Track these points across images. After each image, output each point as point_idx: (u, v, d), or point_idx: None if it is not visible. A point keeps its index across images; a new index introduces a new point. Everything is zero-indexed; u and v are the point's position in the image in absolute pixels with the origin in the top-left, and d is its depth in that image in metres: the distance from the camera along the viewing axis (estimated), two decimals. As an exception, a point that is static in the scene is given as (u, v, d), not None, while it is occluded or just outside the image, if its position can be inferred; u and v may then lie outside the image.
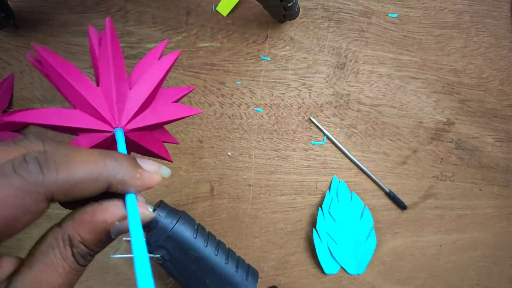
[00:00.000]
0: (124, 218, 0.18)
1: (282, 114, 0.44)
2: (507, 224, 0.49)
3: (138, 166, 0.19)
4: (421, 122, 0.46)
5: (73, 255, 0.17)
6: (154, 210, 0.36)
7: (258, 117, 0.44)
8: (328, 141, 0.45)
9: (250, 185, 0.45)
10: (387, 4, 0.43)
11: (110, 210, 0.18)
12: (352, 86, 0.44)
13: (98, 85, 0.21)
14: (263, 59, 0.43)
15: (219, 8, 0.41)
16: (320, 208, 0.45)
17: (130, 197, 0.18)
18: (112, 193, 0.18)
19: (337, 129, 0.45)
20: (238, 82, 0.43)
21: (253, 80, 0.43)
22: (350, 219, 0.45)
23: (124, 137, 0.21)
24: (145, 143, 0.23)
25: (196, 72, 0.42)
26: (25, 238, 0.43)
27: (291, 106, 0.44)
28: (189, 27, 0.41)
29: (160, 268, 0.45)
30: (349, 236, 0.45)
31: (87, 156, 0.17)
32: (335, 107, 0.44)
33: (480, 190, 0.48)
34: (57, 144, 0.17)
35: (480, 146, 0.47)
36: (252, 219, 0.45)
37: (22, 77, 0.40)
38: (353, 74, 0.44)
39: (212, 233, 0.38)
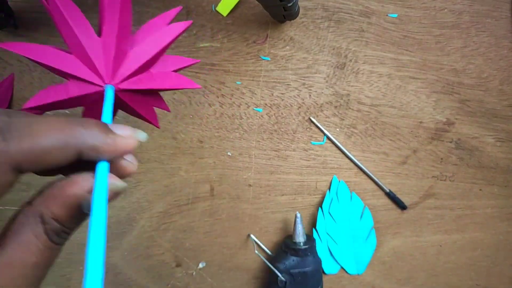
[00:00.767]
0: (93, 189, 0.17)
1: (282, 114, 0.44)
2: (507, 224, 0.49)
3: (109, 131, 0.18)
4: (421, 122, 0.46)
5: (45, 232, 0.16)
6: (307, 240, 0.42)
7: (258, 117, 0.44)
8: (328, 141, 0.45)
9: (250, 185, 0.45)
10: (387, 4, 0.43)
11: (78, 183, 0.17)
12: (352, 86, 0.44)
13: (99, 35, 0.21)
14: (263, 59, 0.43)
15: (219, 8, 0.41)
16: (320, 208, 0.45)
17: (101, 165, 0.17)
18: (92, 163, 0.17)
19: (337, 129, 0.45)
20: (238, 82, 0.43)
21: (253, 80, 0.43)
22: (350, 219, 0.45)
23: (113, 96, 0.20)
24: (135, 105, 0.22)
25: (196, 72, 0.42)
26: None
27: (291, 106, 0.44)
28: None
29: (163, 268, 0.45)
30: (349, 236, 0.45)
31: (53, 124, 0.16)
32: (335, 107, 0.44)
33: (480, 190, 0.48)
34: (23, 114, 0.16)
35: (480, 146, 0.47)
36: (252, 219, 0.45)
37: (22, 77, 0.40)
38: (353, 74, 0.44)
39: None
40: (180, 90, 0.42)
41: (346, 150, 0.45)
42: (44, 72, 0.40)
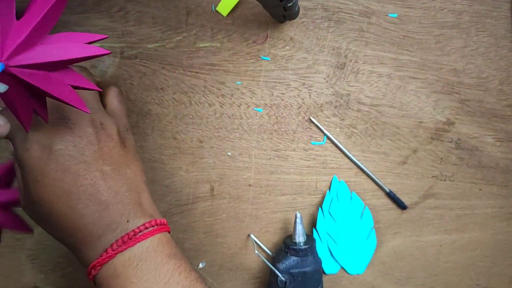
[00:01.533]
0: None
1: (282, 114, 0.44)
2: (507, 224, 0.49)
3: None
4: (421, 122, 0.46)
5: None
6: (307, 240, 0.42)
7: (258, 117, 0.44)
8: (328, 141, 0.45)
9: (250, 185, 0.45)
10: (387, 4, 0.43)
11: None
12: (352, 86, 0.44)
13: (17, 19, 0.20)
14: (263, 59, 0.43)
15: (219, 8, 0.41)
16: (320, 208, 0.45)
17: None
18: None
19: (337, 129, 0.45)
20: (238, 82, 0.43)
21: (253, 80, 0.43)
22: (350, 219, 0.45)
23: (2, 72, 0.20)
24: (42, 85, 0.22)
25: (196, 72, 0.42)
26: (25, 238, 0.43)
27: (291, 106, 0.44)
28: (189, 27, 0.42)
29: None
30: (349, 236, 0.45)
31: None
32: (335, 107, 0.44)
33: (480, 190, 0.48)
34: None
35: (480, 146, 0.47)
36: (252, 219, 0.45)
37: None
38: (353, 74, 0.44)
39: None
40: (180, 90, 0.42)
41: (346, 150, 0.45)
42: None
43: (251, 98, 0.43)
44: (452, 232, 0.48)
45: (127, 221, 0.28)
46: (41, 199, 0.26)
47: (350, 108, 0.45)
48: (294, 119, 0.44)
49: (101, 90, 0.29)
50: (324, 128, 0.44)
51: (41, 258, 0.44)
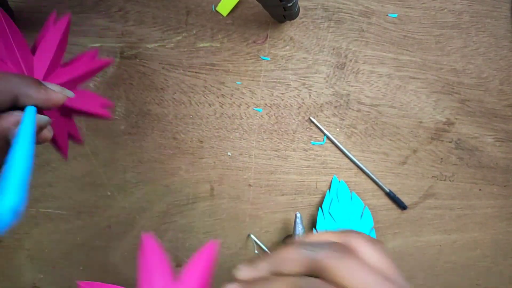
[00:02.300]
0: (19, 123, 0.20)
1: (282, 114, 0.44)
2: (507, 224, 0.49)
3: (42, 84, 0.21)
4: (421, 122, 0.46)
5: None
6: None
7: (258, 117, 0.44)
8: (328, 141, 0.45)
9: (250, 185, 0.45)
10: (387, 4, 0.43)
11: (5, 117, 0.20)
12: (352, 86, 0.44)
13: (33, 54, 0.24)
14: (263, 59, 0.43)
15: (219, 8, 0.41)
16: (320, 208, 0.45)
17: (29, 109, 0.21)
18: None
19: (337, 129, 0.45)
20: (238, 82, 0.43)
21: (253, 80, 0.43)
22: (350, 219, 0.45)
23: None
24: (76, 103, 0.26)
25: (196, 72, 0.42)
26: (24, 238, 0.43)
27: (291, 106, 0.44)
28: (189, 27, 0.41)
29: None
30: (349, 236, 0.45)
31: None
32: (335, 107, 0.44)
33: (480, 190, 0.48)
34: None
35: (480, 146, 0.47)
36: (252, 219, 0.45)
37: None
38: (353, 74, 0.44)
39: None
40: (180, 90, 0.42)
41: (346, 150, 0.45)
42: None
43: (251, 98, 0.43)
44: (452, 232, 0.48)
45: None
46: None
47: (350, 108, 0.45)
48: (294, 119, 0.44)
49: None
50: (324, 128, 0.44)
51: (40, 258, 0.44)
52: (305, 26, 0.43)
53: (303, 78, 0.44)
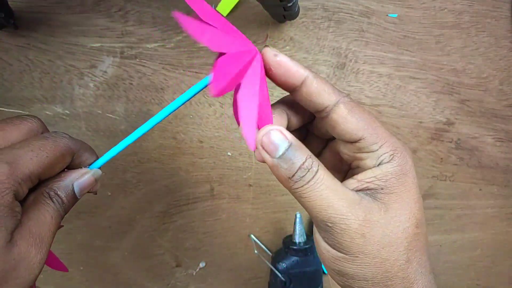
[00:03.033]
0: (82, 175, 0.23)
1: (282, 114, 0.44)
2: (507, 224, 0.49)
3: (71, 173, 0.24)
4: (421, 122, 0.46)
5: (58, 208, 0.22)
6: (307, 240, 0.42)
7: (258, 117, 0.44)
8: (328, 141, 0.45)
9: (250, 185, 0.45)
10: (387, 4, 0.43)
11: (71, 172, 0.23)
12: (352, 86, 0.44)
13: None
14: (263, 59, 0.43)
15: (219, 8, 0.41)
16: (320, 208, 0.45)
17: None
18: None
19: (337, 129, 0.45)
20: (238, 82, 0.43)
21: (253, 80, 0.43)
22: (350, 219, 0.45)
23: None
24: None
25: (196, 72, 0.42)
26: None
27: (291, 106, 0.44)
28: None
29: (163, 268, 0.45)
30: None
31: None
32: (335, 107, 0.44)
33: (480, 190, 0.48)
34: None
35: (480, 146, 0.47)
36: (252, 219, 0.45)
37: (22, 77, 0.40)
38: (353, 74, 0.44)
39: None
40: (180, 90, 0.42)
41: (346, 150, 0.45)
42: (44, 72, 0.40)
43: (251, 98, 0.43)
44: (452, 232, 0.48)
45: None
46: None
47: (350, 108, 0.45)
48: (294, 119, 0.44)
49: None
50: (324, 128, 0.44)
51: (41, 258, 0.44)
52: (305, 26, 0.43)
53: (303, 78, 0.44)
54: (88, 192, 0.24)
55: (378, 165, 0.22)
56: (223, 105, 0.43)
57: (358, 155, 0.23)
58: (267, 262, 0.42)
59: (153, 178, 0.44)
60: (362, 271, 0.21)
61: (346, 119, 0.22)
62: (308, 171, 0.20)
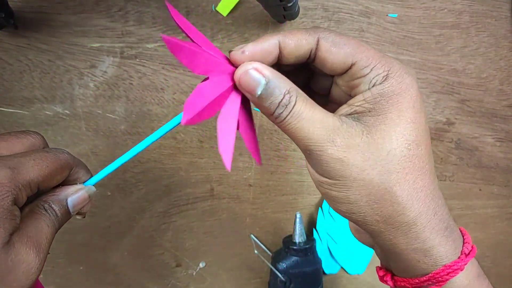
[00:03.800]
0: (76, 191, 0.24)
1: (282, 114, 0.44)
2: (507, 224, 0.49)
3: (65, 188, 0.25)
4: (421, 122, 0.46)
5: (48, 214, 0.23)
6: (307, 240, 0.42)
7: (258, 117, 0.44)
8: (328, 141, 0.45)
9: (250, 185, 0.45)
10: (387, 4, 0.43)
11: (65, 188, 0.24)
12: (352, 86, 0.44)
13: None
14: (263, 59, 0.43)
15: (219, 8, 0.41)
16: (320, 208, 0.45)
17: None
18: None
19: (337, 129, 0.45)
20: (238, 82, 0.43)
21: (253, 80, 0.43)
22: (350, 219, 0.45)
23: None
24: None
25: (196, 72, 0.42)
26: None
27: (291, 106, 0.44)
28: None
29: (163, 268, 0.45)
30: (349, 236, 0.45)
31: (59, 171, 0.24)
32: (335, 107, 0.44)
33: (480, 190, 0.48)
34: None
35: (480, 146, 0.47)
36: (252, 219, 0.45)
37: (22, 77, 0.40)
38: (353, 74, 0.44)
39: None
40: (180, 90, 0.42)
41: (346, 150, 0.45)
42: (44, 72, 0.40)
43: (251, 98, 0.43)
44: (452, 232, 0.48)
45: None
46: None
47: (350, 108, 0.45)
48: (294, 119, 0.44)
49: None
50: (324, 128, 0.44)
51: (41, 258, 0.44)
52: (305, 26, 0.43)
53: (303, 78, 0.44)
54: (77, 214, 0.25)
55: (370, 88, 0.21)
56: (223, 105, 0.43)
57: (352, 82, 0.22)
58: (267, 262, 0.42)
59: (153, 178, 0.44)
60: (345, 193, 0.21)
61: (331, 51, 0.21)
62: (286, 106, 0.21)
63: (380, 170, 0.20)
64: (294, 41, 0.21)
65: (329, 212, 0.45)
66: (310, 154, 0.22)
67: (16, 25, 0.39)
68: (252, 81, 0.21)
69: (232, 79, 0.22)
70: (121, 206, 0.44)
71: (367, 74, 0.21)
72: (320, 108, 0.21)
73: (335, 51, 0.21)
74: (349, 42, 0.21)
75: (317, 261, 0.42)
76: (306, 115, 0.21)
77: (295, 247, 0.41)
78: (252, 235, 0.45)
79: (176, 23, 0.21)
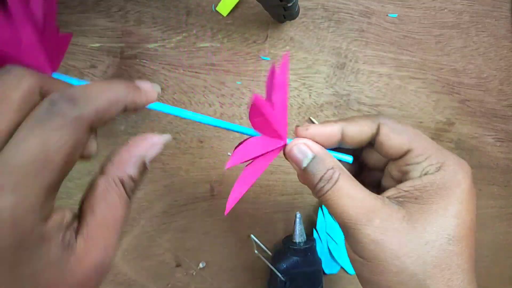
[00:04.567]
0: (152, 146, 0.23)
1: (282, 114, 0.44)
2: (507, 224, 0.49)
3: (139, 89, 0.22)
4: (421, 122, 0.46)
5: (126, 191, 0.20)
6: (307, 240, 0.42)
7: (258, 117, 0.44)
8: (328, 141, 0.45)
9: (250, 185, 0.45)
10: (387, 4, 0.43)
11: (140, 143, 0.22)
12: (352, 86, 0.44)
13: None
14: (263, 59, 0.43)
15: (219, 8, 0.41)
16: (320, 208, 0.45)
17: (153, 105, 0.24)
18: None
19: (337, 129, 0.45)
20: (238, 82, 0.43)
21: (253, 80, 0.43)
22: (350, 219, 0.45)
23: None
24: None
25: (196, 72, 0.42)
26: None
27: (291, 106, 0.44)
28: (189, 27, 0.41)
29: (163, 268, 0.45)
30: (349, 236, 0.45)
31: (106, 88, 0.20)
32: (335, 107, 0.44)
33: (480, 190, 0.48)
34: (78, 85, 0.20)
35: (480, 146, 0.47)
36: (252, 219, 0.45)
37: (22, 77, 0.40)
38: (353, 74, 0.44)
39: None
40: (180, 90, 0.42)
41: (346, 150, 0.45)
42: (44, 72, 0.40)
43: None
44: (452, 232, 0.48)
45: None
46: None
47: (350, 108, 0.45)
48: (294, 119, 0.44)
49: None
50: (324, 128, 0.44)
51: (41, 258, 0.44)
52: (305, 26, 0.43)
53: (303, 78, 0.44)
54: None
55: (421, 176, 0.22)
56: (223, 105, 0.43)
57: (404, 167, 0.22)
58: (267, 262, 0.42)
59: (153, 178, 0.44)
60: (376, 277, 0.20)
61: (389, 136, 0.22)
62: (328, 181, 0.21)
63: (415, 260, 0.19)
64: (358, 128, 0.23)
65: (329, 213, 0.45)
66: (347, 231, 0.22)
67: (16, 25, 0.39)
68: (300, 154, 0.23)
69: (280, 148, 0.25)
70: (121, 206, 0.44)
71: (421, 162, 0.22)
72: (363, 188, 0.22)
73: (394, 137, 0.22)
74: (407, 129, 0.23)
75: (317, 261, 0.42)
76: (348, 192, 0.21)
77: (295, 247, 0.41)
78: (252, 235, 0.45)
79: (272, 77, 0.22)
